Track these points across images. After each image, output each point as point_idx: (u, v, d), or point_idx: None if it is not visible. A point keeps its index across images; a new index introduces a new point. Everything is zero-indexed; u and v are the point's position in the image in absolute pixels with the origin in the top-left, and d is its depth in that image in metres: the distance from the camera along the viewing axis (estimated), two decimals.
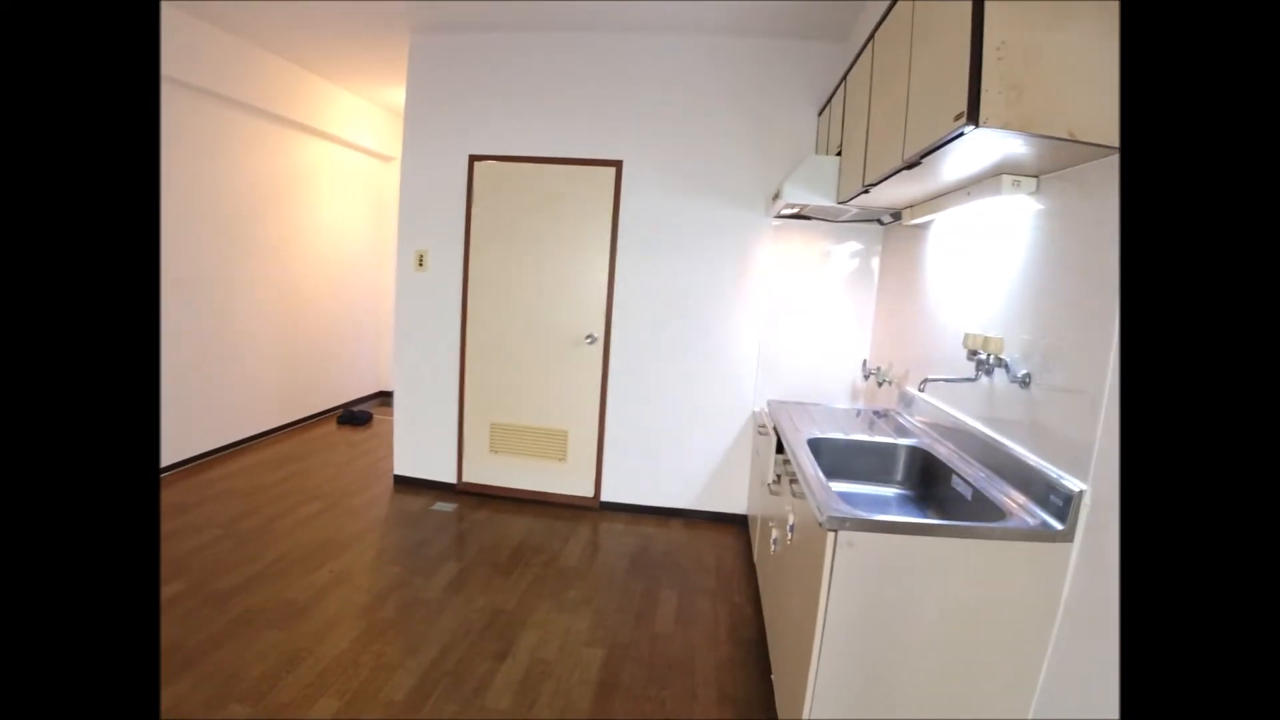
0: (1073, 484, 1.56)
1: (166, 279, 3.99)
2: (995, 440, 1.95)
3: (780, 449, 2.57)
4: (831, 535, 1.61)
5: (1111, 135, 1.40)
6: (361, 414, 5.80)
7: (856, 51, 2.71)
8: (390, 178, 6.22)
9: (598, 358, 3.98)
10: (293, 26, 4.01)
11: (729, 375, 3.89)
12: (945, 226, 2.61)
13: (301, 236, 5.34)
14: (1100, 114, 1.39)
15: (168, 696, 2.11)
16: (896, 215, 2.99)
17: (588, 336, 3.97)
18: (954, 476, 2.01)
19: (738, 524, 3.95)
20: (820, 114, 3.56)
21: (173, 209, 3.99)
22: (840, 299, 3.76)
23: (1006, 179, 1.82)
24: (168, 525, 3.37)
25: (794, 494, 2.13)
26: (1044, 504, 1.64)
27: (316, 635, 2.51)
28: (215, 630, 2.49)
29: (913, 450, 2.40)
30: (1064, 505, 1.56)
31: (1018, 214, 1.95)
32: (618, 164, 3.82)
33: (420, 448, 4.25)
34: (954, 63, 1.50)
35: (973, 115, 1.40)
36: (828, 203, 2.93)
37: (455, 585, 2.98)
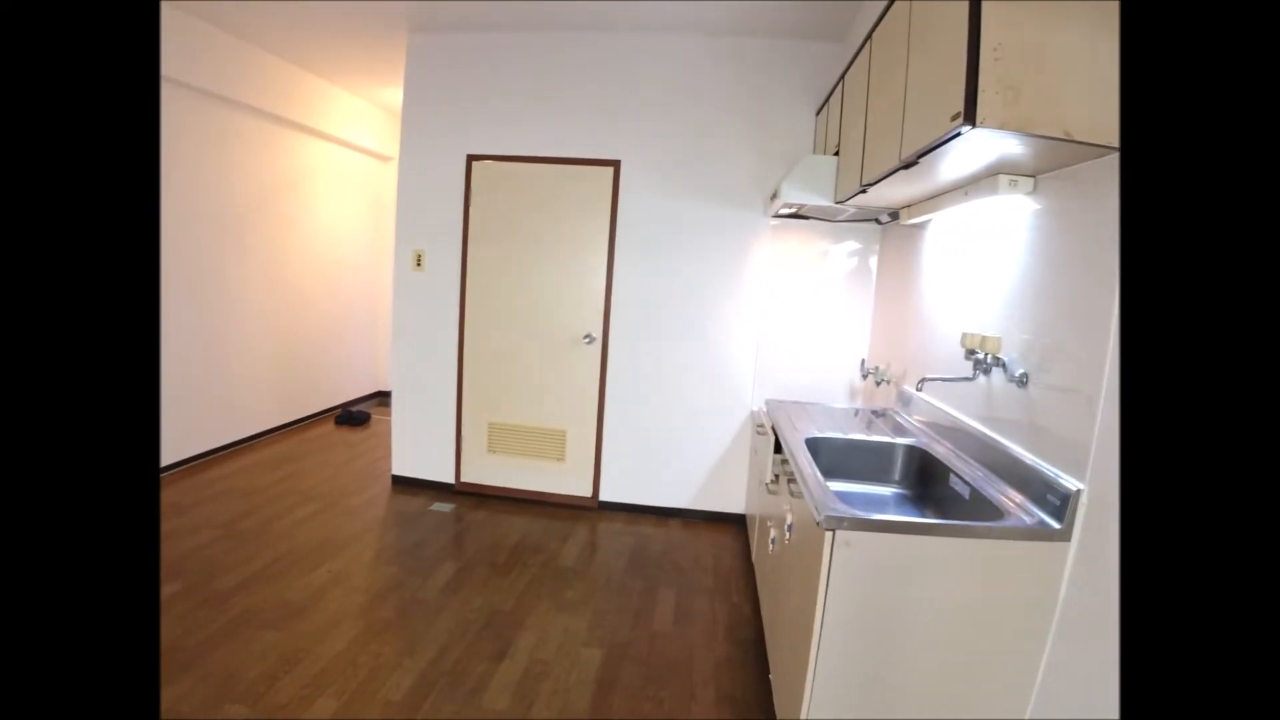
0: (1070, 483, 1.56)
1: (165, 279, 3.99)
2: (993, 439, 1.96)
3: (778, 448, 2.58)
4: (829, 535, 1.62)
5: (1107, 135, 1.40)
6: (359, 414, 5.79)
7: (854, 51, 2.71)
8: (388, 177, 6.22)
9: (596, 357, 3.98)
10: (291, 26, 4.01)
11: (727, 375, 3.90)
12: (943, 226, 2.62)
13: (300, 236, 5.34)
14: (1096, 114, 1.39)
15: (166, 697, 2.11)
16: (894, 215, 2.99)
17: (586, 336, 3.97)
18: (952, 476, 2.02)
19: (736, 523, 3.95)
20: (818, 114, 3.56)
21: (172, 209, 3.98)
22: (838, 298, 3.76)
23: (1004, 179, 1.83)
24: (166, 525, 3.37)
25: (792, 493, 2.14)
26: (1041, 503, 1.64)
27: (314, 635, 2.51)
28: (213, 630, 2.49)
29: (910, 449, 2.40)
30: (1061, 504, 1.56)
31: (1015, 214, 1.95)
32: (616, 164, 3.82)
33: (418, 448, 4.25)
34: (951, 63, 1.50)
35: (970, 115, 1.40)
36: (825, 202, 2.93)
37: (453, 585, 2.98)
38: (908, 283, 3.05)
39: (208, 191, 4.31)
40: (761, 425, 3.26)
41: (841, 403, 3.54)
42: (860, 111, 2.47)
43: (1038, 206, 1.83)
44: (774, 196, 3.23)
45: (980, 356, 2.01)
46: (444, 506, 3.96)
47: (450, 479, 4.22)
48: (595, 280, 3.92)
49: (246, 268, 4.76)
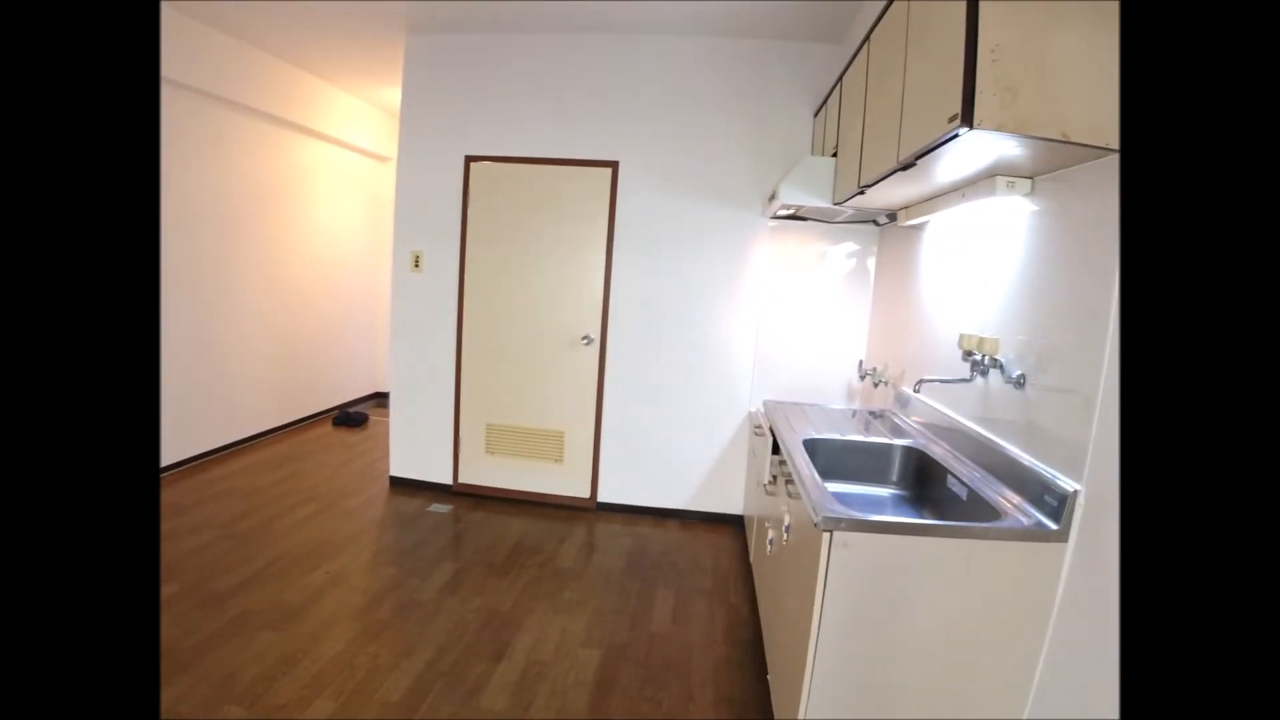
0: (1067, 484, 1.56)
1: (164, 279, 3.98)
2: (990, 440, 1.96)
3: (776, 449, 2.58)
4: (826, 535, 1.62)
5: (1104, 136, 1.41)
6: (357, 415, 5.79)
7: (852, 53, 2.72)
8: (386, 178, 6.21)
9: (594, 358, 3.98)
10: (290, 27, 4.01)
11: (725, 376, 3.90)
12: (940, 227, 2.62)
13: (298, 237, 5.34)
14: (1094, 115, 1.40)
15: (165, 697, 2.11)
16: (892, 216, 3.00)
17: (584, 337, 3.97)
18: (949, 477, 2.02)
19: (734, 524, 3.95)
20: (816, 115, 3.57)
21: (171, 209, 3.98)
22: (836, 299, 3.77)
23: (1001, 180, 1.83)
24: (165, 526, 3.36)
25: (789, 494, 2.14)
26: (1039, 504, 1.65)
27: (313, 636, 2.51)
28: (212, 631, 2.49)
29: (908, 450, 2.41)
30: (1058, 505, 1.57)
31: (1012, 215, 1.96)
32: (614, 165, 3.83)
33: (416, 449, 4.24)
34: (948, 64, 1.50)
35: (967, 117, 1.41)
36: (823, 204, 2.94)
37: (451, 586, 2.98)
38: (906, 284, 3.06)
39: (206, 192, 4.30)
40: (759, 426, 3.26)
41: (839, 404, 3.54)
42: (858, 113, 2.47)
43: (1035, 208, 1.84)
44: (772, 198, 3.23)
45: (978, 358, 2.01)
46: (442, 507, 3.96)
47: (448, 480, 4.21)
48: (593, 281, 3.93)
49: (245, 268, 4.76)
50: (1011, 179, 1.83)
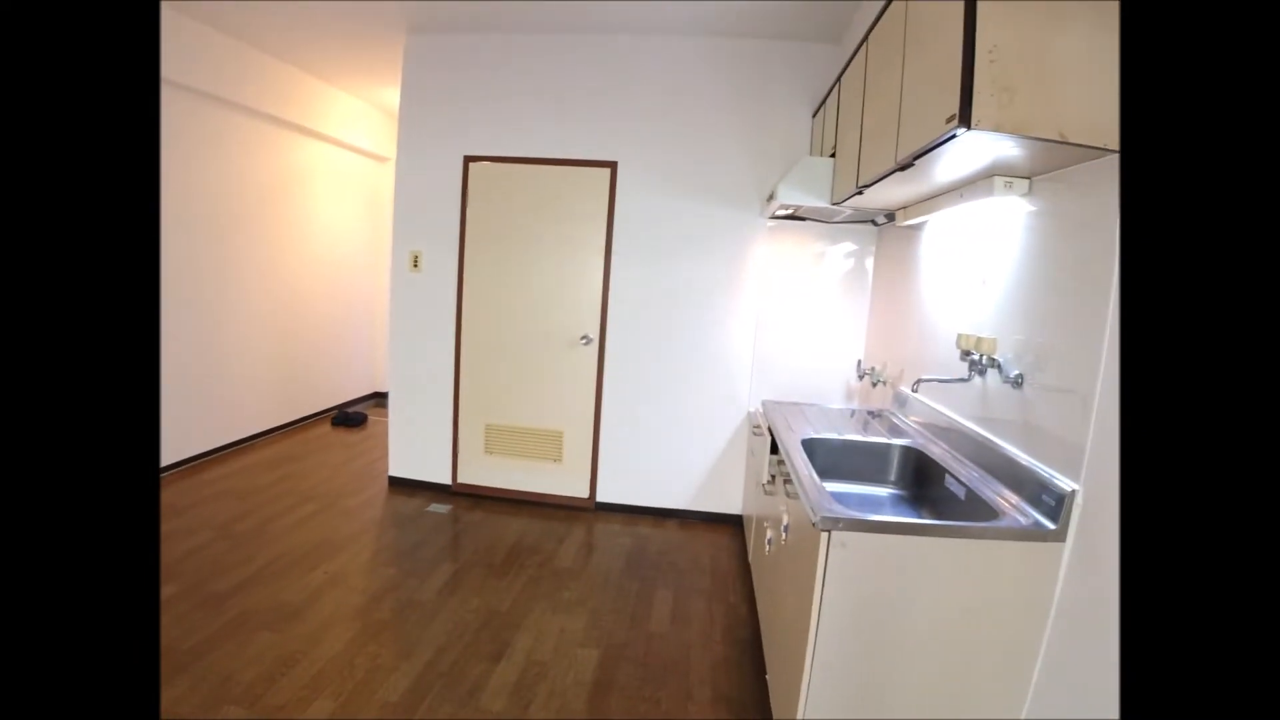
0: (1065, 483, 1.57)
1: (164, 280, 3.98)
2: (988, 440, 1.97)
3: (775, 449, 2.58)
4: (825, 535, 1.62)
5: (1102, 136, 1.41)
6: (356, 415, 5.79)
7: (851, 53, 2.72)
8: (385, 178, 6.21)
9: (593, 358, 3.98)
10: (289, 27, 4.01)
11: (724, 376, 3.90)
12: (939, 227, 2.63)
13: (297, 237, 5.34)
14: (1091, 116, 1.40)
15: (164, 698, 2.10)
16: (890, 216, 3.00)
17: (583, 337, 3.97)
18: (947, 476, 2.02)
19: (733, 524, 3.96)
20: (815, 115, 3.57)
21: (170, 210, 3.98)
22: (835, 299, 3.77)
23: (999, 180, 1.84)
24: (163, 526, 3.36)
25: (788, 494, 2.14)
26: (1036, 503, 1.65)
27: (312, 637, 2.51)
28: (210, 632, 2.49)
29: (906, 450, 2.41)
30: (1056, 505, 1.57)
31: (1010, 215, 1.96)
32: (613, 165, 3.83)
33: (415, 449, 4.24)
34: (946, 64, 1.51)
35: (965, 117, 1.41)
36: (822, 204, 2.94)
37: (450, 587, 2.98)
38: (904, 284, 3.06)
39: (206, 193, 4.30)
40: (758, 426, 3.26)
41: (838, 403, 3.55)
42: (857, 113, 2.47)
43: (1033, 208, 1.84)
44: (771, 198, 3.24)
45: (975, 357, 2.01)
46: (441, 508, 3.96)
47: (447, 480, 4.22)
48: (592, 281, 3.93)
49: (244, 269, 4.76)
50: (1009, 179, 1.84)
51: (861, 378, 3.51)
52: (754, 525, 3.17)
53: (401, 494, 4.15)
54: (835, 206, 2.89)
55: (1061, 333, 1.66)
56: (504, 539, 3.56)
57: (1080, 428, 1.53)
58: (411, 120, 4.00)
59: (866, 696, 1.70)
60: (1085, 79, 1.39)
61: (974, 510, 1.79)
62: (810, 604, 1.67)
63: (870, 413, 3.00)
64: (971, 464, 2.03)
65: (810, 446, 2.38)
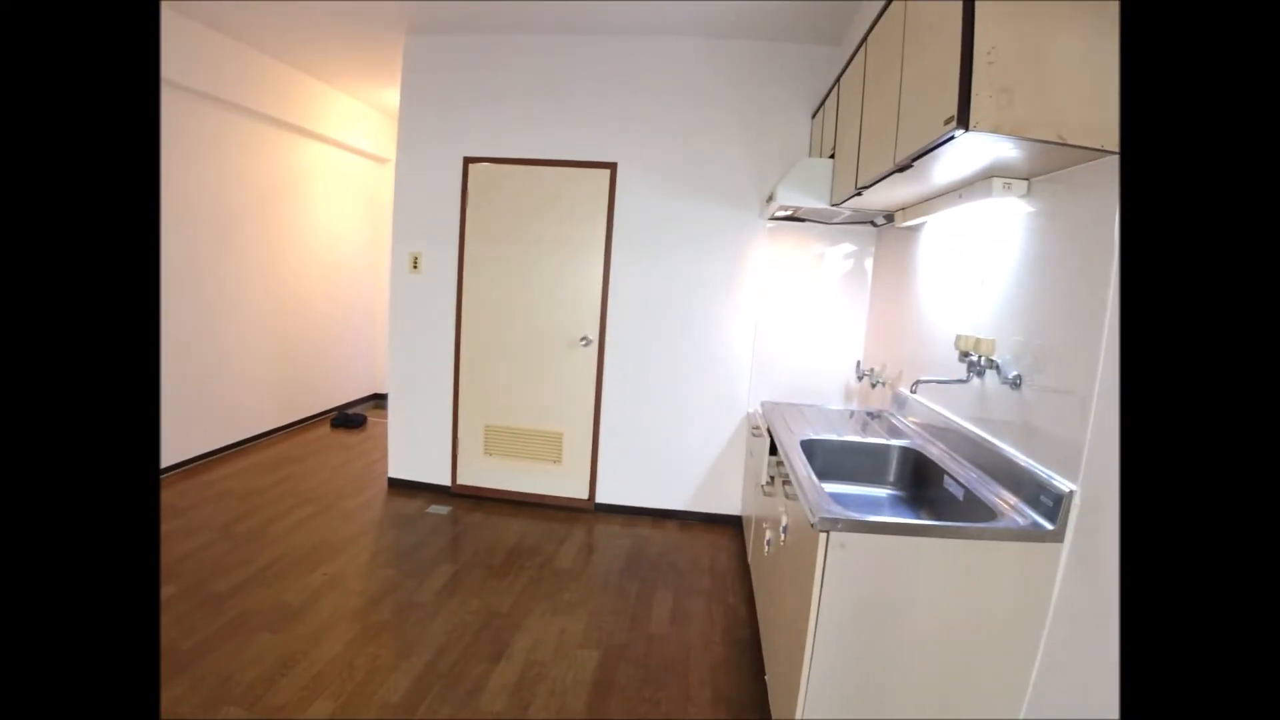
0: (1063, 484, 1.57)
1: (163, 280, 3.98)
2: (987, 441, 1.97)
3: (774, 450, 2.58)
4: (823, 536, 1.62)
5: (1100, 138, 1.41)
6: (356, 416, 5.79)
7: (850, 54, 2.72)
8: (385, 180, 6.21)
9: (592, 359, 3.98)
10: (289, 28, 4.01)
11: (723, 377, 3.91)
12: (938, 228, 2.63)
13: (296, 238, 5.34)
14: (1089, 117, 1.40)
15: (164, 699, 2.10)
16: (890, 217, 3.00)
17: (582, 338, 3.98)
18: (946, 477, 2.03)
19: (732, 525, 3.96)
20: (814, 116, 3.57)
21: (170, 211, 3.98)
22: (834, 300, 3.77)
23: (997, 181, 1.84)
24: (163, 527, 3.36)
25: (787, 495, 2.15)
26: (1034, 504, 1.65)
27: (311, 638, 2.51)
28: (210, 633, 2.49)
29: (905, 451, 2.41)
30: (1054, 505, 1.57)
31: (1009, 216, 1.97)
32: (612, 166, 3.83)
33: (415, 450, 4.24)
34: (945, 66, 1.51)
35: (963, 119, 1.41)
36: (821, 205, 2.94)
37: (450, 588, 2.98)
38: (903, 285, 3.06)
39: (205, 193, 4.31)
40: (757, 427, 3.27)
41: (837, 404, 3.55)
42: (856, 114, 2.48)
43: (1031, 209, 1.84)
44: (770, 199, 3.24)
45: (974, 359, 2.02)
46: (440, 509, 3.96)
47: (447, 481, 4.22)
48: (592, 282, 3.93)
49: (244, 270, 4.76)
50: (1008, 180, 1.84)
51: (860, 379, 3.51)
52: (753, 526, 3.18)
53: (401, 495, 4.15)
54: (834, 207, 2.89)
55: (1060, 334, 1.66)
56: (504, 540, 3.56)
57: (1078, 428, 1.54)
58: (411, 121, 4.00)
59: (865, 697, 1.70)
60: (1084, 80, 1.39)
61: (972, 511, 1.79)
62: (809, 604, 1.67)
63: (869, 414, 3.00)
64: (970, 465, 2.03)
65: (809, 447, 2.38)
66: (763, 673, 2.34)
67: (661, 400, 3.96)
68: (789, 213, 3.45)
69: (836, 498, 1.78)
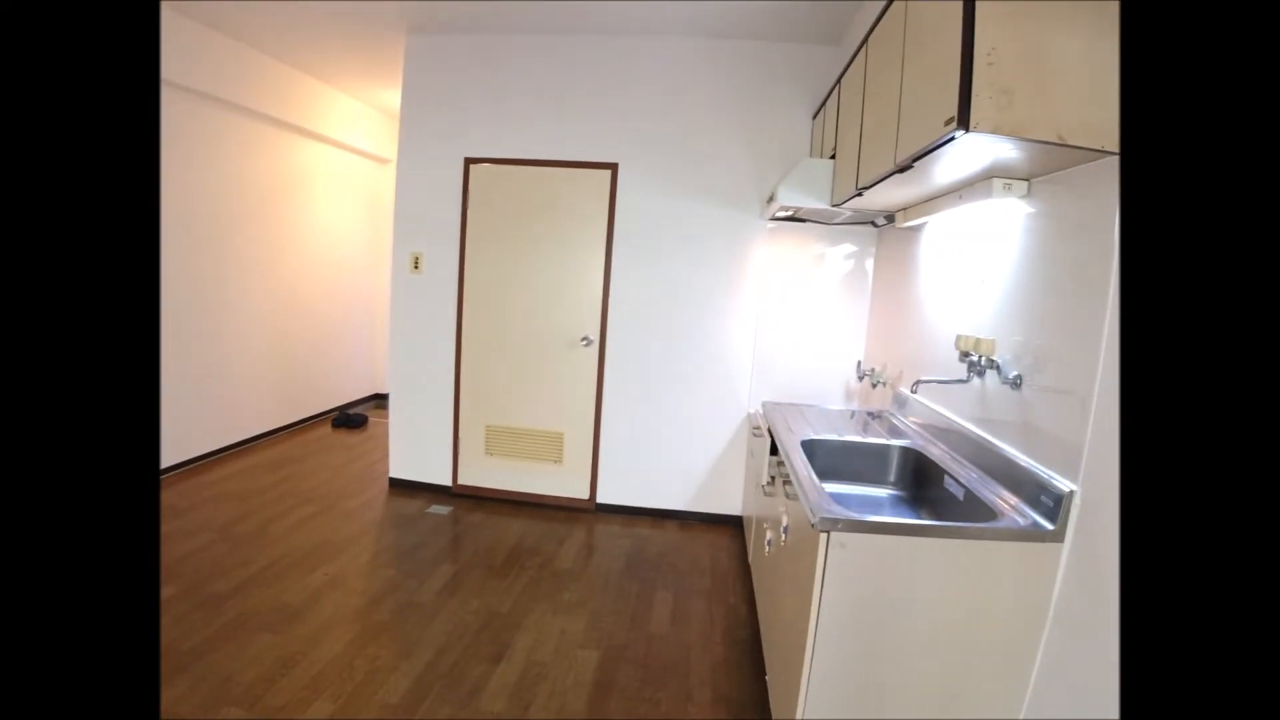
0: (1063, 484, 1.57)
1: (163, 281, 3.98)
2: (987, 441, 1.97)
3: (774, 450, 2.58)
4: (824, 536, 1.62)
5: (1100, 138, 1.41)
6: (356, 417, 5.79)
7: (850, 55, 2.72)
8: (386, 180, 6.22)
9: (593, 360, 3.99)
10: (289, 28, 4.01)
11: (724, 377, 3.91)
12: (938, 229, 2.63)
13: (297, 239, 5.34)
14: (1089, 118, 1.40)
15: (163, 699, 2.11)
16: (890, 218, 3.00)
17: (583, 338, 3.98)
18: (946, 477, 2.03)
19: (733, 525, 3.96)
20: (814, 117, 3.57)
21: (169, 211, 3.98)
22: (835, 301, 3.77)
23: (998, 182, 1.84)
24: (163, 528, 3.36)
25: (788, 495, 2.15)
26: (1035, 504, 1.65)
27: (311, 638, 2.51)
28: (210, 633, 2.49)
29: (905, 451, 2.41)
30: (1054, 505, 1.57)
31: (1009, 217, 1.97)
32: (613, 166, 3.83)
33: (415, 450, 4.24)
34: (945, 67, 1.51)
35: (963, 120, 1.41)
36: (822, 205, 2.94)
37: (450, 588, 2.98)
38: (903, 285, 3.06)
39: (206, 194, 4.31)
40: (758, 427, 3.27)
41: (838, 405, 3.55)
42: (856, 115, 2.48)
43: (1031, 210, 1.84)
44: (771, 199, 3.24)
45: (974, 359, 2.02)
46: (441, 509, 3.96)
47: (447, 481, 4.22)
48: (593, 283, 3.93)
49: (244, 270, 4.76)
50: (1008, 181, 1.84)
51: (861, 379, 3.51)
52: (754, 526, 3.18)
53: (402, 495, 4.15)
54: (835, 208, 2.89)
55: (1060, 334, 1.66)
56: (504, 540, 3.56)
57: (1078, 429, 1.53)
58: (412, 122, 4.00)
59: (866, 697, 1.70)
60: (1083, 81, 1.39)
61: (973, 511, 1.79)
62: (810, 605, 1.67)
63: (870, 414, 3.00)
64: (970, 465, 2.03)
65: (810, 447, 2.38)
66: (763, 673, 2.34)
67: (662, 400, 3.96)
68: (790, 213, 3.45)
69: (837, 498, 1.78)
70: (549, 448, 4.09)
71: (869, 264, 3.70)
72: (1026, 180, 1.83)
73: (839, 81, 2.91)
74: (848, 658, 1.69)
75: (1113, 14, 1.35)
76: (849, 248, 3.73)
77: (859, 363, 3.65)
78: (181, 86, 3.91)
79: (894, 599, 1.65)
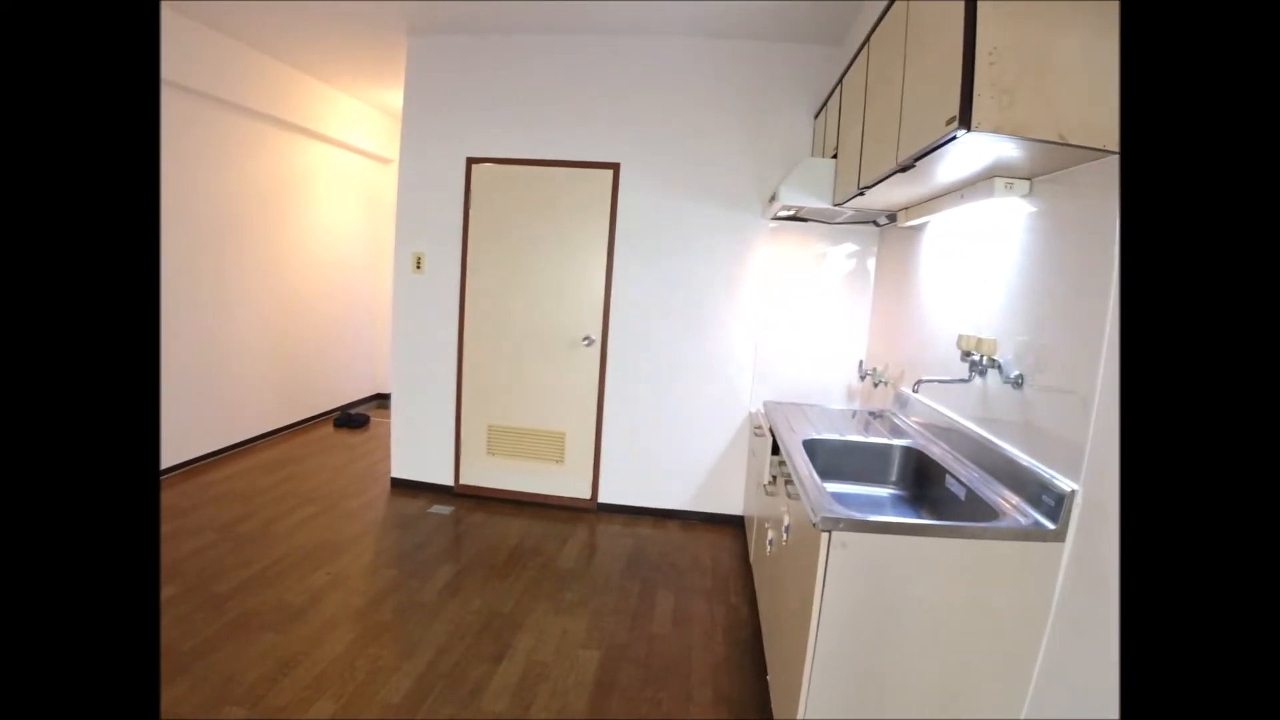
0: (1065, 484, 1.57)
1: (164, 281, 3.99)
2: (988, 441, 1.97)
3: (776, 450, 2.58)
4: (825, 536, 1.62)
5: (1101, 138, 1.41)
6: (358, 416, 5.80)
7: (852, 55, 2.72)
8: (388, 180, 6.22)
9: (595, 359, 3.99)
10: (291, 29, 4.02)
11: (726, 376, 3.90)
12: (940, 228, 2.63)
13: (299, 239, 5.35)
14: (1090, 117, 1.40)
15: (164, 699, 2.11)
16: (892, 217, 3.00)
17: (585, 338, 3.98)
18: (948, 477, 2.02)
19: (734, 525, 3.96)
20: (816, 117, 3.57)
21: (170, 212, 3.99)
22: (836, 300, 3.77)
23: (999, 181, 1.84)
24: (164, 528, 3.37)
25: (789, 495, 2.14)
26: (1036, 504, 1.65)
27: (313, 638, 2.51)
28: (211, 633, 2.49)
29: (907, 451, 2.41)
30: (1056, 505, 1.57)
31: (1010, 216, 1.96)
32: (615, 166, 3.83)
33: (417, 450, 4.25)
34: (947, 66, 1.51)
35: (965, 119, 1.41)
36: (824, 205, 2.94)
37: (452, 588, 2.99)
38: (905, 285, 3.06)
39: (207, 194, 4.31)
40: (759, 427, 3.27)
41: (839, 404, 3.55)
42: (858, 114, 2.47)
43: (1033, 209, 1.84)
44: (772, 199, 3.24)
45: (976, 358, 2.01)
46: (443, 509, 3.96)
47: (449, 481, 4.22)
48: (594, 282, 3.93)
49: (245, 270, 4.77)
50: (1010, 180, 1.84)
51: (863, 378, 3.51)
52: (755, 526, 3.17)
53: (403, 495, 4.15)
54: (837, 207, 2.89)
55: (1061, 333, 1.66)
56: (506, 540, 3.56)
57: (1080, 428, 1.53)
58: (414, 122, 4.01)
59: (867, 696, 1.70)
60: (1085, 81, 1.39)
61: (974, 510, 1.79)
62: (811, 604, 1.67)
63: (871, 413, 2.99)
64: (972, 464, 2.03)
65: (811, 447, 2.38)
66: (764, 672, 2.34)
67: (664, 400, 3.96)
68: (791, 213, 3.45)
69: (838, 497, 1.78)
70: (551, 448, 4.10)
71: (870, 263, 3.70)
72: (1028, 180, 1.83)
73: (840, 81, 2.91)
74: (849, 657, 1.68)
75: (1113, 14, 1.35)
76: (850, 247, 3.72)
77: (860, 362, 3.65)
78: (182, 87, 3.91)
79: (895, 598, 1.65)
